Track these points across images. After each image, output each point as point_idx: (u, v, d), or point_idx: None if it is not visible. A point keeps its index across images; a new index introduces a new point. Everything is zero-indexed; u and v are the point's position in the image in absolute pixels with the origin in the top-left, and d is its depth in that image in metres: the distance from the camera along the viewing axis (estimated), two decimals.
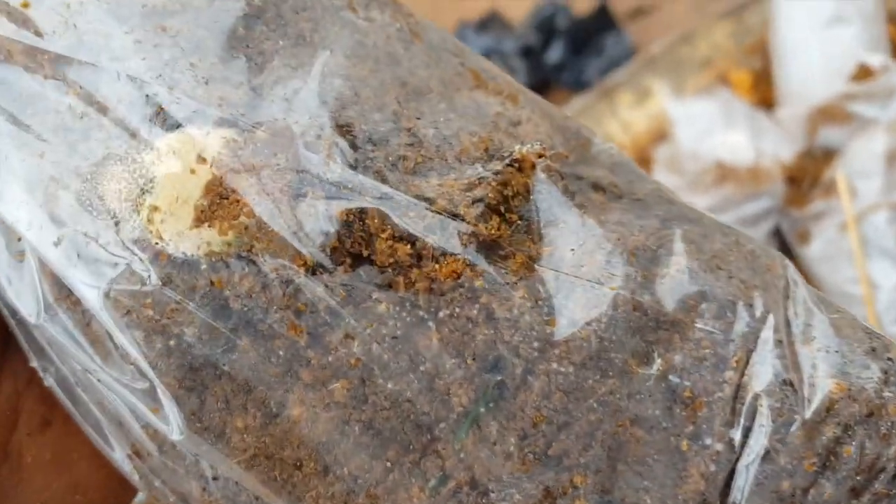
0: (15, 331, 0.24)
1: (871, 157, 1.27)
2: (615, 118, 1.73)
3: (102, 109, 0.22)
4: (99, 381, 0.23)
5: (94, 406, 0.24)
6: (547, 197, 0.25)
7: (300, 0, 0.25)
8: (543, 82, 2.81)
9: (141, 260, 0.21)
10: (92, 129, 0.22)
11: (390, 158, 0.24)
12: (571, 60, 2.64)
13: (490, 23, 2.99)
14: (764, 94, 1.62)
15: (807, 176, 1.39)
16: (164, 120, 0.22)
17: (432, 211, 0.23)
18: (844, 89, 1.33)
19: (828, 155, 1.40)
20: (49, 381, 0.25)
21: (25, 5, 0.23)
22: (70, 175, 0.22)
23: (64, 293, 0.22)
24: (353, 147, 0.23)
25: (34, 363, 0.25)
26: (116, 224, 0.21)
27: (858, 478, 0.23)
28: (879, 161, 1.26)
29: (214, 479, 0.23)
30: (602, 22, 2.58)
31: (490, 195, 0.24)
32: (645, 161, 1.61)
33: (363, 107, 0.24)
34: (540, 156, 0.26)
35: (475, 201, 0.24)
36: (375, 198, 0.23)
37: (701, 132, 1.55)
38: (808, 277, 1.44)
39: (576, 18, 2.61)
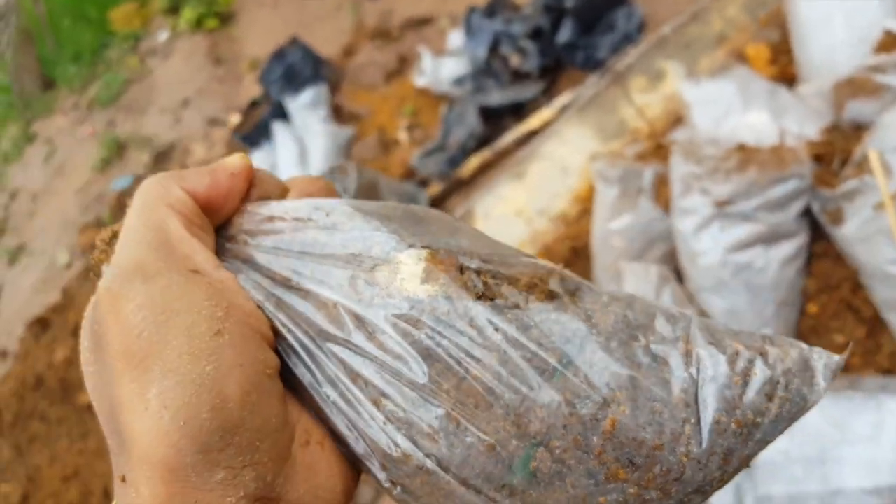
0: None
1: None
2: (630, 104, 1.66)
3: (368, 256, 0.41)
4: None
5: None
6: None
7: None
8: (556, 63, 2.73)
9: (399, 301, 0.38)
10: (367, 262, 0.41)
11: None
12: (582, 39, 2.56)
13: (498, 7, 2.92)
14: (784, 67, 1.53)
15: (836, 153, 1.31)
16: (397, 250, 0.40)
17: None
18: (871, 60, 1.25)
19: (857, 130, 1.31)
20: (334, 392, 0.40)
21: (327, 214, 0.42)
22: (361, 274, 0.40)
23: (360, 324, 0.39)
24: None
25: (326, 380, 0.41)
26: (385, 290, 0.39)
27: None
28: None
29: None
30: None
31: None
32: (663, 148, 1.55)
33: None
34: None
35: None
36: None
37: (719, 114, 1.47)
38: (844, 259, 1.37)
39: None
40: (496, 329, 0.37)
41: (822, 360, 0.39)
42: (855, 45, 1.32)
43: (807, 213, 1.34)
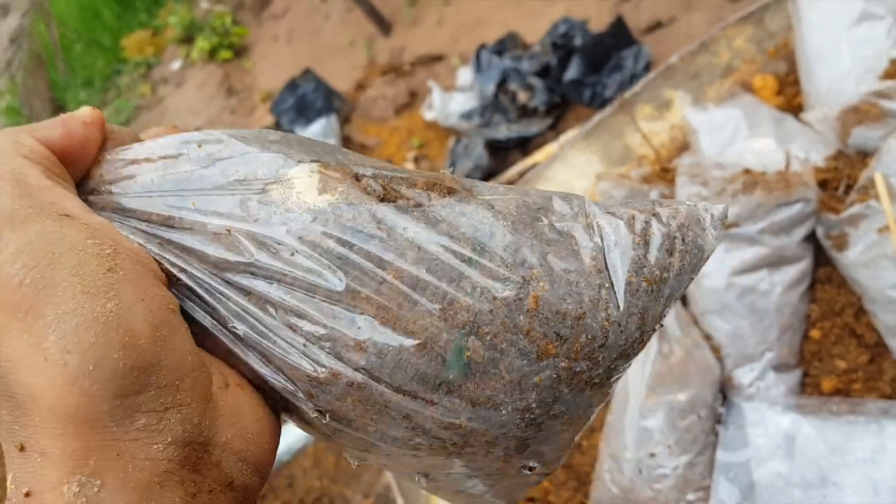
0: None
1: None
2: (636, 131, 1.67)
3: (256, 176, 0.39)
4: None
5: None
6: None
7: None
8: (563, 100, 2.77)
9: (299, 214, 0.37)
10: (256, 185, 0.39)
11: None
12: (590, 77, 2.60)
13: (508, 45, 2.98)
14: (790, 98, 1.55)
15: (841, 179, 1.32)
16: (286, 167, 0.39)
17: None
18: (876, 87, 1.26)
19: (863, 156, 1.32)
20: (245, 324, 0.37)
21: (200, 145, 0.40)
22: (253, 195, 0.39)
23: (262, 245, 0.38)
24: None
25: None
26: (281, 206, 0.38)
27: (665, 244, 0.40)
28: None
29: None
30: (619, 37, 2.54)
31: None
32: (669, 172, 1.56)
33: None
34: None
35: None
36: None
37: (724, 140, 1.48)
38: (848, 284, 1.37)
39: (593, 35, 2.58)
40: (405, 228, 0.36)
41: (709, 211, 0.41)
42: (861, 75, 1.34)
43: (811, 238, 1.34)
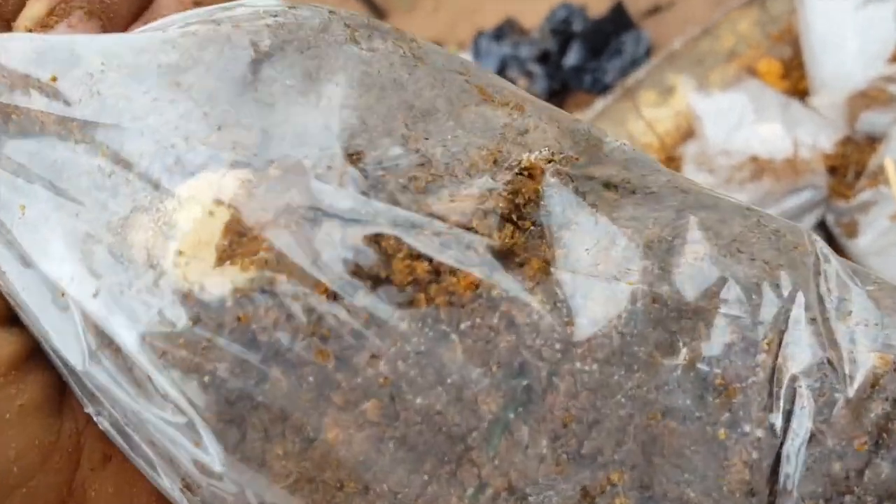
0: (68, 379, 0.25)
1: None
2: (639, 118, 1.65)
3: (127, 166, 0.24)
4: (145, 420, 0.24)
5: (145, 444, 0.25)
6: (559, 200, 0.25)
7: (304, 41, 0.26)
8: (563, 86, 2.74)
9: (171, 303, 0.22)
10: (120, 186, 0.24)
11: (401, 181, 0.24)
12: (590, 63, 2.57)
13: (507, 31, 2.95)
14: (796, 82, 1.53)
15: (850, 164, 1.30)
16: (183, 168, 0.23)
17: (446, 227, 0.24)
18: (885, 71, 1.25)
19: (871, 141, 1.31)
20: (104, 425, 0.26)
21: (54, 79, 0.24)
22: (102, 230, 0.23)
23: (105, 341, 0.23)
24: (365, 174, 0.24)
25: (88, 409, 0.26)
26: (146, 272, 0.23)
27: None
28: None
29: None
30: (619, 22, 2.51)
31: (501, 205, 0.24)
32: (674, 160, 1.54)
33: (371, 134, 0.25)
34: (549, 161, 0.26)
35: (487, 213, 0.24)
36: (389, 220, 0.23)
37: (731, 126, 1.47)
38: None
39: (592, 20, 2.55)
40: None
41: None
42: (868, 60, 1.33)
43: (821, 226, 1.33)
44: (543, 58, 2.66)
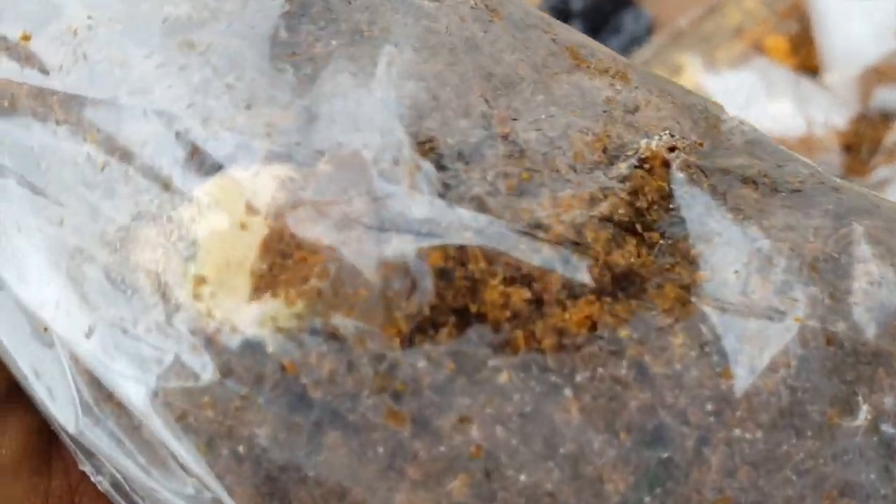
0: (60, 433, 0.20)
1: None
2: None
3: (126, 156, 0.18)
4: (158, 497, 0.19)
5: None
6: (691, 203, 0.20)
7: None
8: None
9: (192, 348, 0.17)
10: (116, 183, 0.18)
11: (488, 177, 0.19)
12: None
13: None
14: (805, 58, 1.51)
15: (865, 142, 1.29)
16: (202, 162, 0.18)
17: (549, 241, 0.18)
18: None
19: (886, 118, 1.30)
20: (104, 486, 0.21)
21: (26, 38, 0.19)
22: (95, 244, 0.18)
23: (104, 394, 0.18)
24: (440, 168, 0.19)
25: (85, 466, 0.21)
26: (156, 304, 0.17)
27: None
28: None
29: None
30: (617, 0, 2.49)
31: (620, 211, 0.19)
32: None
33: (445, 113, 0.19)
34: (672, 149, 0.20)
35: (602, 220, 0.19)
36: (476, 232, 0.18)
37: (741, 105, 1.45)
38: None
39: None
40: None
41: None
42: (880, 34, 1.31)
43: None
44: None
